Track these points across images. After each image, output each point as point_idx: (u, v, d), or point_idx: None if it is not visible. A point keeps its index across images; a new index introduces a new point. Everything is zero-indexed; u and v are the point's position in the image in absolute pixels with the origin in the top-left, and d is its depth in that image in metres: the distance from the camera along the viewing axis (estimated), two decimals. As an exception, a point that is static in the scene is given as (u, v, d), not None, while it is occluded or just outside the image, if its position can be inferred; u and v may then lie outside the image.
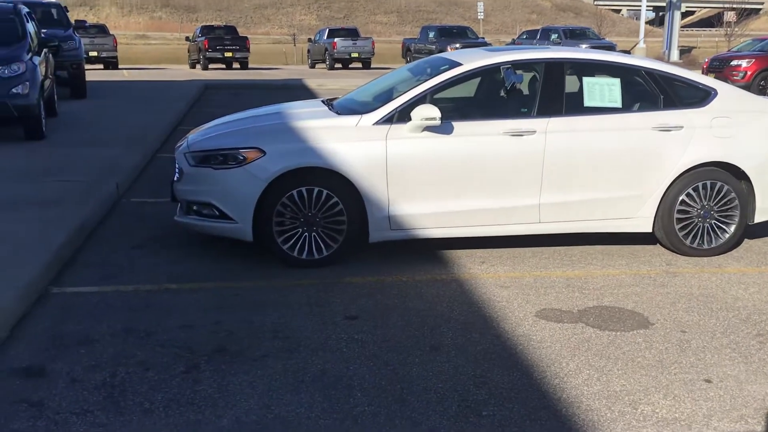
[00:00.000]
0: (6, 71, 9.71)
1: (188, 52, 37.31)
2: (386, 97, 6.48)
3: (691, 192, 5.97)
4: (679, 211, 5.99)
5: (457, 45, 30.40)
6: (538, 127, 5.76)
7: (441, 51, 30.86)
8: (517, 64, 5.95)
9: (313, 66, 36.27)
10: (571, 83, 5.98)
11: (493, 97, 6.05)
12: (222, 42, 33.32)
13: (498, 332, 4.56)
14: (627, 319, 4.78)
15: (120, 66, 31.22)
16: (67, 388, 3.81)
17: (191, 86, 20.29)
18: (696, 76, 6.22)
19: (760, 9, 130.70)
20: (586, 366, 4.11)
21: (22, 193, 7.15)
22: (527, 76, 6.13)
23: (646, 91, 6.06)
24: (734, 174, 6.01)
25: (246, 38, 34.32)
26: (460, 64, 5.91)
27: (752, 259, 6.11)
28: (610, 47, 31.61)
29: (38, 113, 10.10)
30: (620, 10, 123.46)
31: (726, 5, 54.25)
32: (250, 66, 33.32)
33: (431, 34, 32.15)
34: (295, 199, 5.56)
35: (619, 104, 5.96)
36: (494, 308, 4.94)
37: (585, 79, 5.97)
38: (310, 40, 38.45)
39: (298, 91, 20.95)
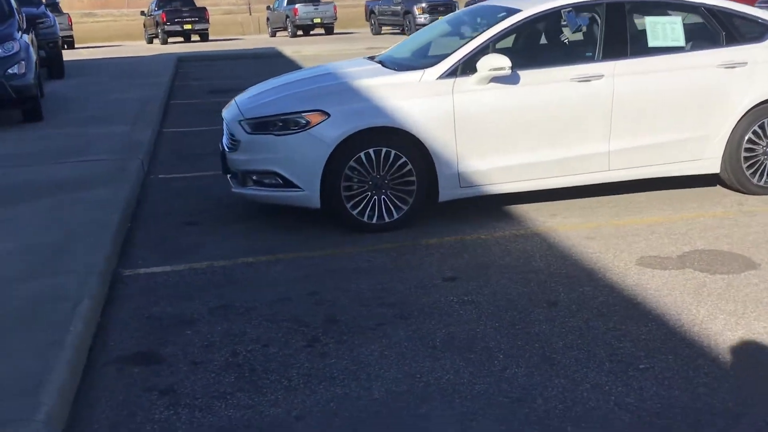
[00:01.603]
0: (0, 51, 9.19)
1: (144, 27, 36.29)
2: (438, 51, 6.27)
3: (757, 129, 5.88)
4: (746, 150, 5.89)
5: (423, 4, 30.01)
6: (606, 71, 5.59)
7: (407, 12, 30.52)
8: (578, 7, 5.73)
9: (273, 34, 35.57)
10: (632, 23, 5.80)
11: (555, 42, 5.84)
12: (180, 14, 32.46)
13: (608, 284, 4.41)
14: (731, 261, 4.68)
15: (75, 45, 30.18)
16: (192, 371, 3.57)
17: (164, 60, 19.68)
18: (754, 11, 6.09)
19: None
20: (718, 311, 3.99)
21: (53, 176, 6.79)
22: (576, 19, 5.90)
23: (707, 28, 5.91)
24: (798, 108, 5.91)
25: (204, 9, 33.47)
26: (518, 11, 5.68)
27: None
28: (449, 4, 31.23)
29: (36, 94, 9.64)
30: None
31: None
32: (209, 38, 32.52)
33: (396, -5, 31.59)
34: (362, 161, 5.32)
35: (682, 43, 5.81)
36: (590, 260, 4.79)
37: (647, 19, 5.81)
38: (269, 8, 37.62)
39: (274, 59, 20.49)
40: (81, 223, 5.39)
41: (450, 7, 30.18)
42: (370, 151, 5.32)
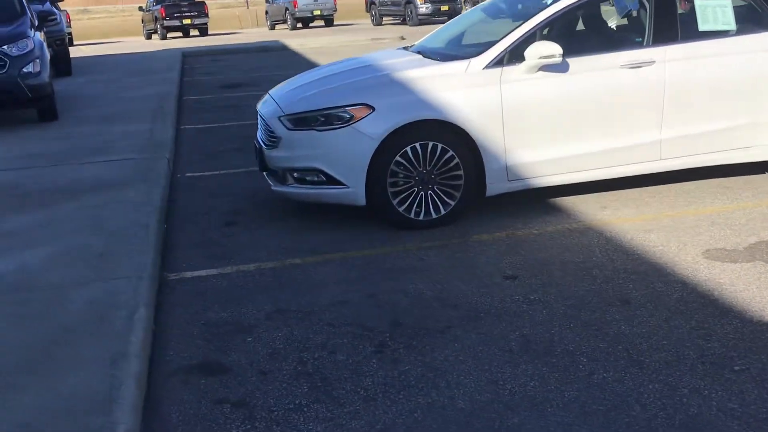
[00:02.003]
0: (14, 49, 8.99)
1: (143, 22, 36.02)
2: (477, 40, 6.08)
3: (812, 116, 5.69)
4: (797, 137, 5.71)
5: (426, -7, 29.75)
6: (657, 57, 5.41)
7: (408, 1, 30.26)
8: (626, -9, 5.54)
9: (272, 28, 35.34)
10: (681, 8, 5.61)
11: (603, 28, 5.65)
12: (179, 9, 32.24)
13: (679, 279, 4.24)
14: (800, 253, 4.50)
15: (74, 42, 29.88)
16: (261, 382, 3.40)
17: (169, 56, 19.45)
18: (805, -8, 5.89)
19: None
20: (803, 305, 3.82)
21: (83, 177, 6.62)
22: (624, 4, 5.73)
23: (755, 11, 5.74)
24: None
25: (203, 3, 33.19)
26: (565, -4, 5.48)
27: None
28: None
29: (51, 92, 9.43)
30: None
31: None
32: (208, 33, 32.25)
33: (396, -15, 31.33)
34: (409, 156, 5.14)
35: (733, 27, 5.62)
36: (654, 254, 4.62)
37: (696, 2, 5.61)
38: (267, 0, 37.34)
39: (281, 52, 20.28)
40: (120, 225, 5.22)
41: (453, -3, 29.96)
42: (417, 145, 5.14)
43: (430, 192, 5.25)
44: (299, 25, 33.04)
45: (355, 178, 5.15)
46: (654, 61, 5.40)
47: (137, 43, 28.56)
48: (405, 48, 6.63)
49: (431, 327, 3.85)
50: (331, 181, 5.22)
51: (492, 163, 5.28)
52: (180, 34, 32.83)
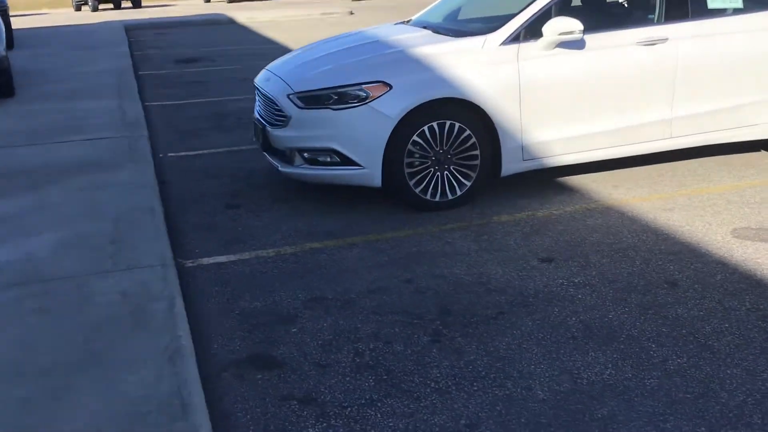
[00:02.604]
0: (-32, 21, 8.40)
1: (72, -7, 34.59)
2: (481, 14, 5.94)
3: (810, 93, 5.74)
4: (799, 115, 5.76)
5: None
6: (670, 34, 5.36)
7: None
8: (638, -32, 5.46)
9: (207, 0, 34.48)
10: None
11: (614, 4, 5.55)
12: (111, -20, 31.06)
13: (717, 259, 4.22)
14: (828, 230, 4.53)
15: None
16: (322, 375, 3.22)
17: (111, 29, 18.71)
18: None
19: None
20: None
21: (65, 157, 6.24)
22: None
23: (762, -10, 5.72)
24: None
25: (136, -26, 32.04)
26: (579, -28, 5.37)
27: None
28: None
29: (8, 66, 8.88)
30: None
31: None
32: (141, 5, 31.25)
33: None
34: (426, 136, 4.98)
35: (740, 4, 5.61)
36: (683, 233, 4.59)
37: (706, -20, 5.57)
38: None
39: (227, 26, 19.76)
40: (122, 209, 4.92)
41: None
42: (434, 124, 4.98)
43: (446, 172, 5.11)
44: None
45: (372, 159, 4.97)
46: (667, 39, 5.35)
47: (69, 16, 27.40)
48: (404, 22, 6.44)
49: (482, 313, 3.72)
50: (346, 161, 5.02)
51: (508, 143, 5.16)
52: (111, 6, 31.66)
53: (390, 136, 4.92)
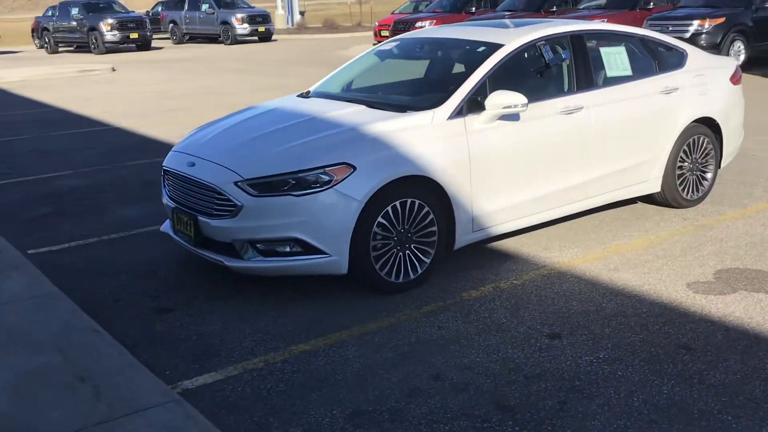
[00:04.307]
0: None
1: None
2: (402, 88, 5.91)
3: (686, 148, 6.37)
4: (678, 168, 6.35)
5: (110, 20, 28.02)
6: (584, 103, 5.67)
7: (93, 28, 28.16)
8: (549, 39, 5.71)
9: None
10: (592, 54, 5.93)
11: (536, 76, 5.71)
12: None
13: (700, 317, 4.47)
14: (764, 277, 4.99)
15: None
16: None
17: None
18: (671, 39, 6.58)
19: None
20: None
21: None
22: (553, 52, 5.78)
23: (644, 57, 6.26)
24: (709, 126, 6.52)
25: None
26: (501, 45, 5.50)
27: (735, 200, 6.70)
28: (265, 15, 31.81)
29: None
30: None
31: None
32: None
33: (75, 11, 29.00)
34: (390, 216, 4.79)
35: (630, 72, 6.09)
36: (648, 294, 4.82)
37: (602, 50, 5.98)
38: None
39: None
40: (55, 332, 4.12)
41: (141, 24, 28.62)
42: (397, 203, 4.80)
43: (407, 252, 4.93)
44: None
45: (339, 245, 4.65)
46: (582, 107, 5.64)
47: None
48: (302, 95, 6.17)
49: (543, 405, 3.60)
50: (310, 250, 4.66)
51: (461, 216, 5.11)
52: None
53: (357, 220, 4.65)
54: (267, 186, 4.62)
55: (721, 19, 15.76)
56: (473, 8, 22.82)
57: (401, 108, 5.23)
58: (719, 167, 6.75)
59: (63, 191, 7.87)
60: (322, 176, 4.60)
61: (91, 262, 5.74)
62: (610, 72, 5.96)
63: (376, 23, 26.34)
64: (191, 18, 33.26)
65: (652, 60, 6.26)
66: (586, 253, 5.54)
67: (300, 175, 4.61)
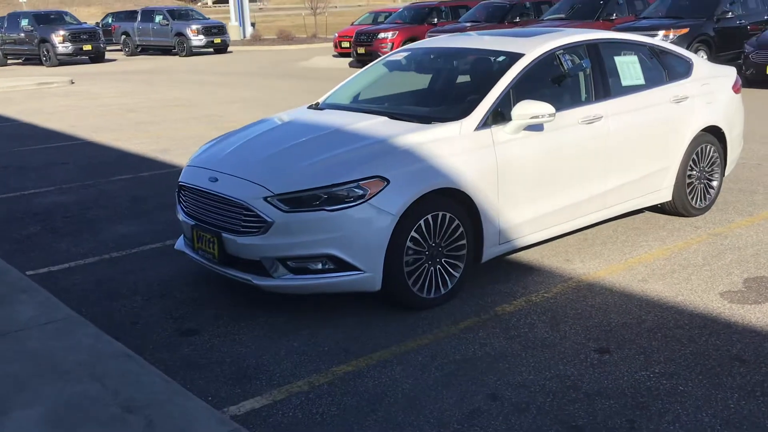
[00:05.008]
0: None
1: None
2: (421, 99, 5.80)
3: (695, 157, 6.38)
4: (688, 176, 6.36)
5: (62, 32, 27.38)
6: (603, 112, 5.63)
7: (44, 40, 27.46)
8: (568, 48, 5.66)
9: None
10: (609, 63, 5.90)
11: (552, 85, 5.63)
12: None
13: (743, 328, 4.43)
14: (795, 285, 5.00)
15: None
16: None
17: None
18: (679, 48, 6.59)
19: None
20: None
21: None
22: (572, 61, 5.72)
23: (654, 66, 6.25)
24: (715, 135, 6.55)
25: None
26: (522, 54, 5.43)
27: (740, 207, 6.73)
28: (221, 26, 31.50)
29: None
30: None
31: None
32: None
33: (25, 22, 28.23)
34: (422, 230, 4.66)
35: (643, 81, 6.07)
36: (684, 305, 4.77)
37: (616, 59, 5.95)
38: None
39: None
40: (84, 360, 3.88)
41: (94, 36, 28.04)
42: (429, 217, 4.67)
43: (438, 266, 4.80)
44: None
45: (373, 261, 4.50)
46: (602, 116, 5.59)
47: None
48: (312, 107, 6.01)
49: (612, 424, 3.50)
50: (344, 267, 4.50)
51: (489, 228, 5.01)
52: None
53: (391, 234, 4.50)
54: (297, 201, 4.45)
55: (685, 30, 16.03)
56: (435, 19, 22.85)
57: (426, 119, 5.10)
58: (724, 175, 6.77)
59: (49, 208, 7.55)
60: (356, 190, 4.45)
61: (99, 282, 5.48)
62: (625, 81, 5.93)
63: (336, 34, 26.22)
64: (144, 29, 32.73)
65: (662, 69, 6.26)
66: (609, 264, 5.48)
67: (333, 189, 4.44)
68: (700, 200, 6.52)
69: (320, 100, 6.16)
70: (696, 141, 6.33)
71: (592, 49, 5.77)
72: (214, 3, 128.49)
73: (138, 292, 5.27)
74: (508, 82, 5.20)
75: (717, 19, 16.55)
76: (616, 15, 19.01)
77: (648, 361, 4.06)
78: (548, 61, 5.53)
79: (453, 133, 4.90)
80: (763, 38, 15.02)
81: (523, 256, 5.68)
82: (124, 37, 33.71)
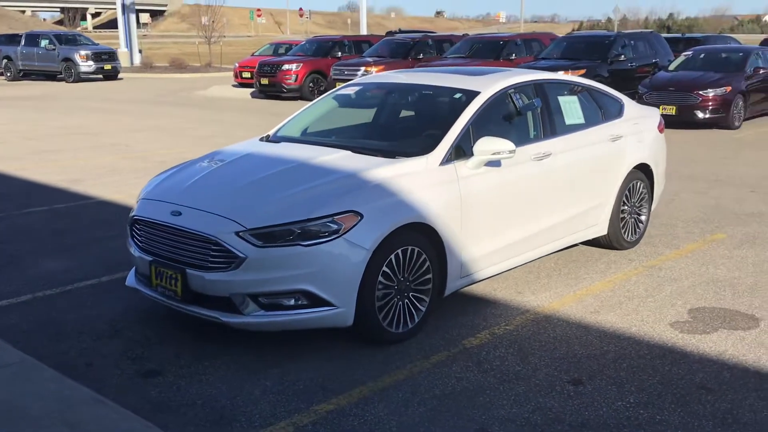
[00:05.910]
0: None
1: None
2: (380, 133, 5.83)
3: (627, 193, 6.69)
4: (621, 211, 6.65)
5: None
6: (552, 149, 5.82)
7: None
8: (518, 87, 5.83)
9: None
10: (553, 104, 6.11)
11: (504, 123, 5.77)
12: None
13: (699, 358, 4.63)
14: (732, 316, 5.28)
15: None
16: None
17: None
18: (608, 89, 6.90)
19: (164, 10, 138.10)
20: (820, 363, 4.52)
21: None
22: (524, 99, 5.87)
23: (591, 106, 6.52)
24: (643, 171, 6.89)
25: None
26: (478, 92, 5.55)
27: (665, 240, 7.07)
28: (111, 52, 30.66)
29: None
30: (25, 11, 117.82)
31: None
32: None
33: None
34: (392, 264, 4.67)
35: (583, 120, 6.33)
36: (639, 336, 4.95)
37: (559, 99, 6.17)
38: None
39: None
40: (53, 403, 3.65)
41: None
42: (399, 251, 4.68)
43: (405, 300, 4.81)
44: None
45: (347, 297, 4.46)
46: (550, 153, 5.78)
47: None
48: (264, 139, 5.94)
49: (604, 454, 3.58)
50: (318, 302, 4.43)
51: (453, 262, 5.07)
52: None
53: (364, 269, 4.48)
54: (271, 236, 4.36)
55: (582, 71, 16.79)
56: (339, 53, 23.01)
57: (390, 154, 5.13)
58: (651, 210, 7.11)
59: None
60: (331, 225, 4.41)
61: (39, 323, 5.16)
62: (568, 120, 6.15)
63: (237, 64, 25.98)
64: (29, 54, 31.40)
65: (598, 109, 6.54)
66: (560, 297, 5.63)
67: (307, 224, 4.38)
68: (631, 234, 6.81)
69: (271, 133, 6.08)
70: (629, 178, 6.63)
71: (539, 88, 5.97)
72: (94, 28, 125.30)
73: (84, 332, 5.00)
74: (468, 118, 5.31)
75: (611, 61, 17.45)
76: (515, 55, 19.72)
77: (621, 391, 4.18)
78: (502, 99, 5.68)
79: (420, 168, 4.94)
80: (656, 80, 15.94)
81: (476, 289, 5.75)
82: (5, 61, 32.20)
